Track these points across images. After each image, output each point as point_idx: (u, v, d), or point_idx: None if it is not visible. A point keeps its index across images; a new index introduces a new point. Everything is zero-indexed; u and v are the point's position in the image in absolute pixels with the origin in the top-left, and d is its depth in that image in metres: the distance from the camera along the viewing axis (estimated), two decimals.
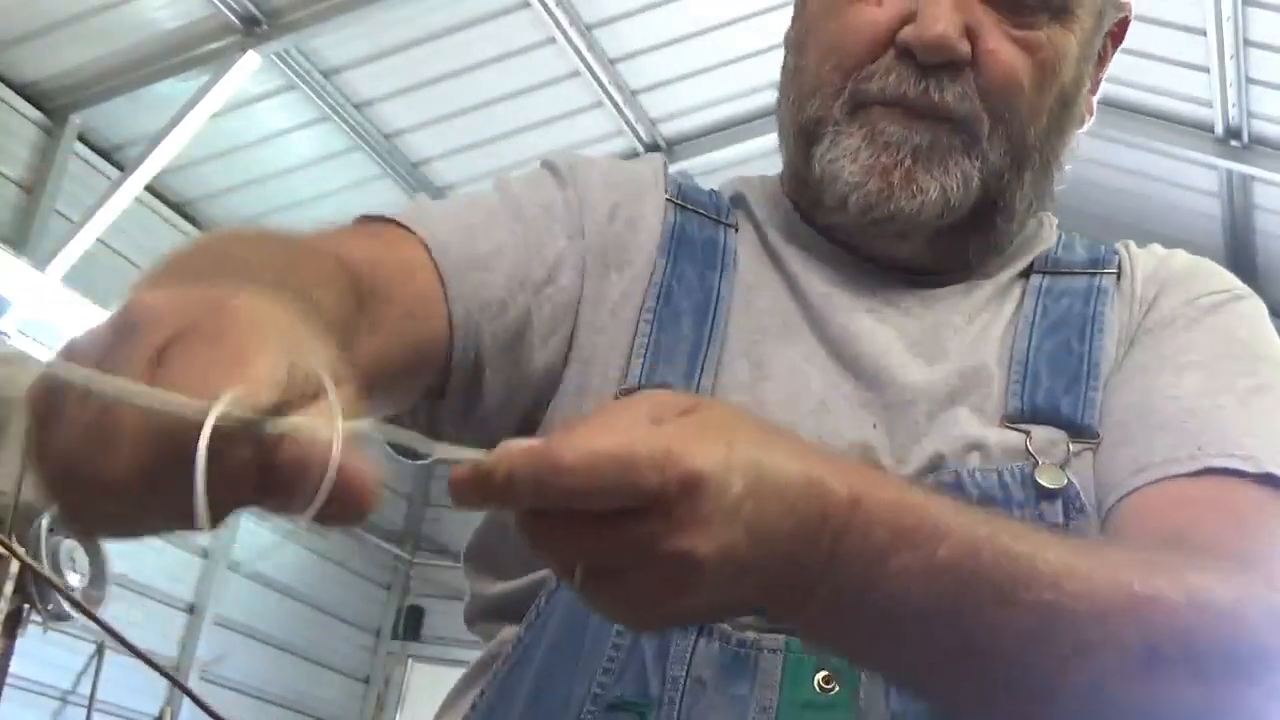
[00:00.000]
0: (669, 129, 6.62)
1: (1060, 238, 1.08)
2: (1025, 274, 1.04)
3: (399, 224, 0.91)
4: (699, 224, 1.03)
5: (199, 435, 0.48)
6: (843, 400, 0.95)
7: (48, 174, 5.77)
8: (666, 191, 1.05)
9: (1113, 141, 5.95)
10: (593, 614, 0.83)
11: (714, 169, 6.95)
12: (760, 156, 6.84)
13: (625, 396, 0.74)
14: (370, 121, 6.26)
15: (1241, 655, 0.74)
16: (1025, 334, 0.98)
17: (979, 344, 0.98)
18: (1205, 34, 5.41)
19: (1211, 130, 5.97)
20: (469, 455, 0.57)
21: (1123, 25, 1.07)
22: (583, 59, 5.98)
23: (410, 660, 8.02)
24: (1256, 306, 1.01)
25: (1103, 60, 1.06)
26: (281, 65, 5.82)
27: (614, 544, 0.59)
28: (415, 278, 0.87)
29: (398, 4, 5.50)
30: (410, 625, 8.02)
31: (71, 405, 0.51)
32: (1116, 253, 1.05)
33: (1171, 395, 0.92)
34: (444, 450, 0.57)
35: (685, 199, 1.05)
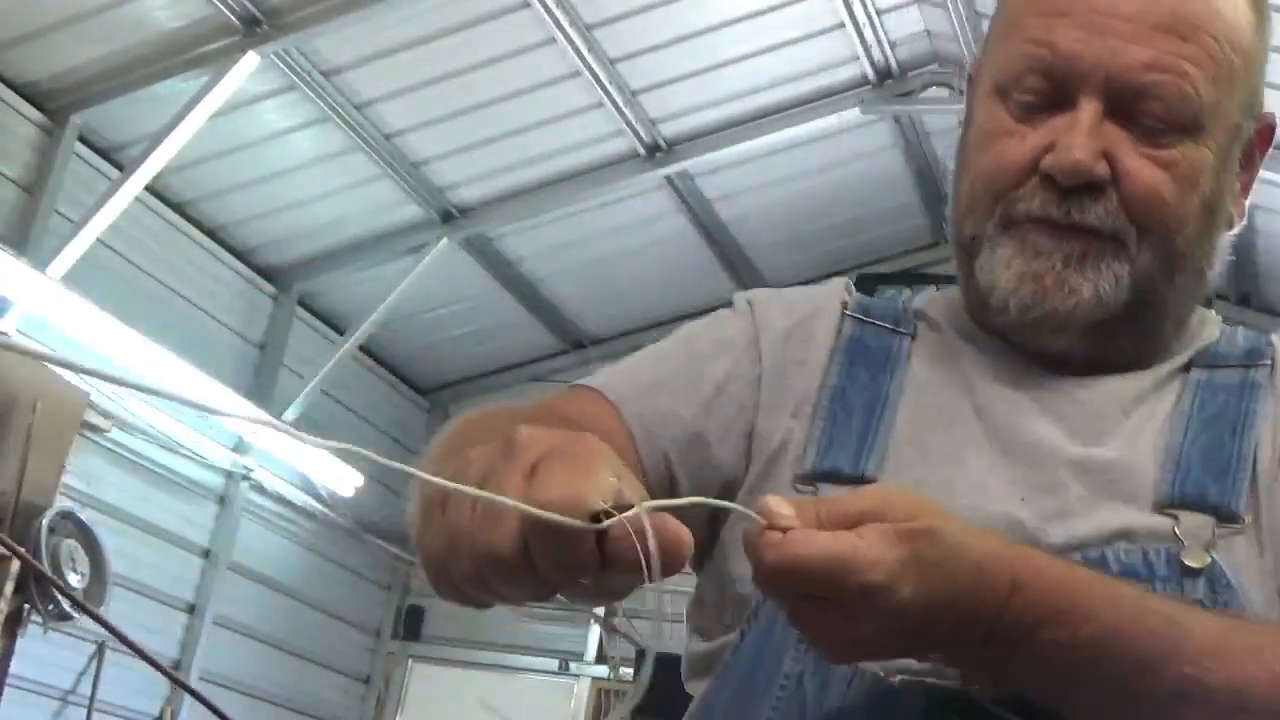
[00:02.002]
0: (669, 129, 6.62)
1: (1223, 331, 1.17)
2: (1185, 368, 1.12)
3: (582, 386, 1.14)
4: (875, 333, 1.17)
5: (564, 524, 0.71)
6: (996, 479, 1.06)
7: (48, 174, 5.77)
8: (847, 308, 1.19)
9: None
10: (766, 662, 1.05)
11: (714, 169, 6.95)
12: (760, 157, 6.85)
13: (862, 487, 1.01)
14: (370, 121, 6.26)
15: None
16: (1181, 428, 1.07)
17: (1136, 435, 1.07)
18: None
19: None
20: (739, 509, 0.83)
21: (1267, 130, 1.15)
22: (583, 59, 5.98)
23: (410, 660, 8.01)
24: None
25: (1250, 163, 1.14)
26: (281, 65, 5.82)
27: (818, 613, 0.82)
28: (605, 421, 1.08)
29: (398, 4, 5.50)
30: (410, 625, 8.02)
31: (460, 502, 0.75)
32: (1271, 345, 1.14)
33: None
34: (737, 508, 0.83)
35: (865, 313, 1.19)
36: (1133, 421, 1.09)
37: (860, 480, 1.07)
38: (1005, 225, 1.08)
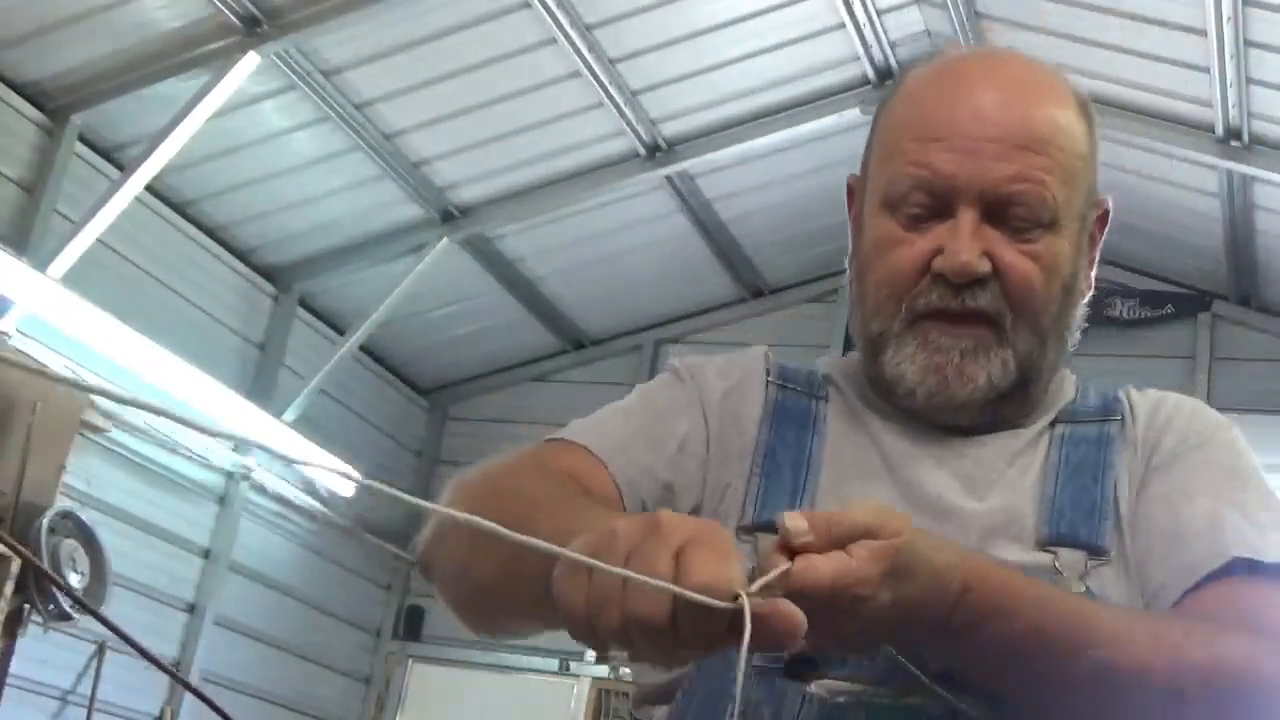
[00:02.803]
0: (669, 129, 6.62)
1: (1078, 390, 1.38)
2: (1052, 424, 1.34)
3: (563, 441, 1.28)
4: (795, 397, 1.36)
5: (706, 604, 0.86)
6: None
7: (48, 174, 5.77)
8: (769, 375, 1.37)
9: (1113, 141, 5.96)
10: (724, 693, 1.18)
11: (714, 169, 6.95)
12: (759, 157, 6.85)
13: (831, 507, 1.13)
14: (370, 121, 6.26)
15: (1256, 699, 1.09)
16: (1053, 478, 1.29)
17: (1017, 485, 1.29)
18: (1205, 34, 5.41)
19: (1211, 130, 5.97)
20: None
21: (1104, 214, 1.37)
22: (583, 59, 5.98)
23: (410, 660, 8.01)
24: (1234, 435, 1.34)
25: (1094, 242, 1.36)
26: (281, 65, 5.82)
27: (813, 615, 0.93)
28: (594, 473, 1.24)
29: (398, 4, 5.50)
30: (410, 625, 8.02)
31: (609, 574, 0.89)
32: (1120, 401, 1.35)
33: (1193, 516, 1.24)
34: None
35: (785, 379, 1.38)
36: (1014, 472, 1.30)
37: None
38: (909, 322, 1.28)
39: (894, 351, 1.29)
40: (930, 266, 1.27)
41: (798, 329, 7.80)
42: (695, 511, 1.29)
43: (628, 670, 6.52)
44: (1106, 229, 1.39)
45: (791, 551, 0.96)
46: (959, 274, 1.25)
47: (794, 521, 0.97)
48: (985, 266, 1.25)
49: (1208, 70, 5.62)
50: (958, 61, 1.35)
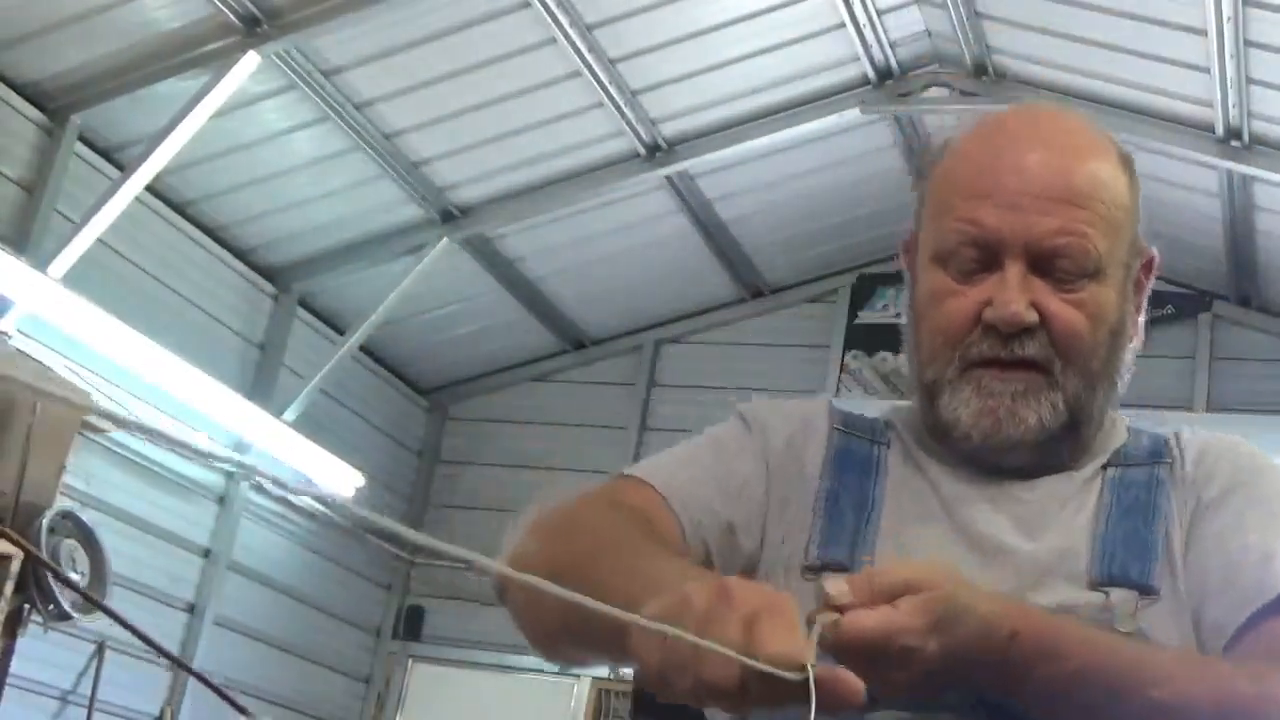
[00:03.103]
0: (669, 129, 6.62)
1: (1130, 433, 1.43)
2: (1104, 466, 1.39)
3: (629, 477, 1.36)
4: (858, 443, 1.43)
5: (773, 673, 0.93)
6: (964, 566, 1.25)
7: (48, 174, 5.77)
8: (833, 422, 1.44)
9: None
10: None
11: (714, 169, 6.95)
12: (760, 157, 6.85)
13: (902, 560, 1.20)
14: (370, 121, 6.26)
15: None
16: (1104, 519, 1.34)
17: (1071, 526, 1.34)
18: (1205, 34, 5.41)
19: (1211, 130, 5.97)
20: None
21: (1149, 261, 1.43)
22: (583, 59, 5.98)
23: (410, 660, 8.01)
24: (1276, 471, 1.39)
25: (1140, 289, 1.42)
26: (281, 65, 5.82)
27: (868, 666, 1.02)
28: (660, 511, 1.31)
29: (398, 4, 5.50)
30: (410, 625, 8.02)
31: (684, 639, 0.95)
32: (1169, 444, 1.40)
33: (1244, 552, 1.29)
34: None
35: (848, 426, 1.44)
36: (1067, 513, 1.34)
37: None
38: (962, 370, 1.34)
39: (949, 397, 1.35)
40: (981, 317, 1.33)
41: (797, 329, 7.81)
42: (756, 551, 1.36)
43: (628, 671, 6.52)
44: (1153, 276, 1.44)
45: (840, 613, 1.03)
46: (1008, 324, 1.31)
47: (835, 586, 1.05)
48: (1032, 316, 1.31)
49: (1208, 70, 5.62)
50: (1004, 120, 1.42)
